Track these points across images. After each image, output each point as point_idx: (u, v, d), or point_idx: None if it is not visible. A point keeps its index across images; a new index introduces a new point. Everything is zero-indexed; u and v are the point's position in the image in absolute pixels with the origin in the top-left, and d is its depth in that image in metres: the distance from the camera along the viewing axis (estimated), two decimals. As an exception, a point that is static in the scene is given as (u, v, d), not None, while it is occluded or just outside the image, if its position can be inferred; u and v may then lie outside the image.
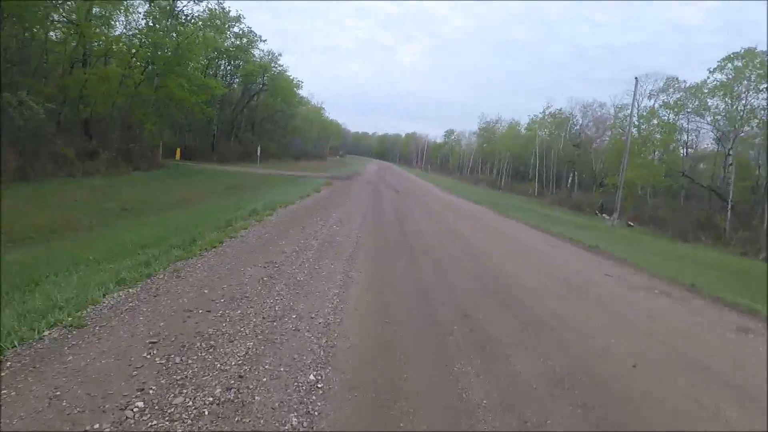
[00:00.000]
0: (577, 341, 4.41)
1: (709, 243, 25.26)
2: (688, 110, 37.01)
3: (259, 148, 27.59)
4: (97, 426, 2.41)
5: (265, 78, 45.81)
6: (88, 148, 20.98)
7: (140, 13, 24.25)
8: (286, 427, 2.61)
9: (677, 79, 40.60)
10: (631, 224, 30.38)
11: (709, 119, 35.60)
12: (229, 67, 41.20)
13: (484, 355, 3.86)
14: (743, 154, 34.85)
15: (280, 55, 45.77)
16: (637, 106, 43.77)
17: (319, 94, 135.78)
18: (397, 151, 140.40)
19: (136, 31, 23.42)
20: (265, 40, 39.89)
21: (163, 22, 24.17)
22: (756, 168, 34.00)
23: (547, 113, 55.19)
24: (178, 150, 35.69)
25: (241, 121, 46.64)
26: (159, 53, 23.43)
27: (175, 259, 5.71)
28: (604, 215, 36.10)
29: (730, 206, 28.57)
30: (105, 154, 20.52)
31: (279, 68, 46.94)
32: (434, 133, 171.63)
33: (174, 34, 24.13)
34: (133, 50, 22.85)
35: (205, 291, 4.68)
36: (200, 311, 4.12)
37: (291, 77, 52.36)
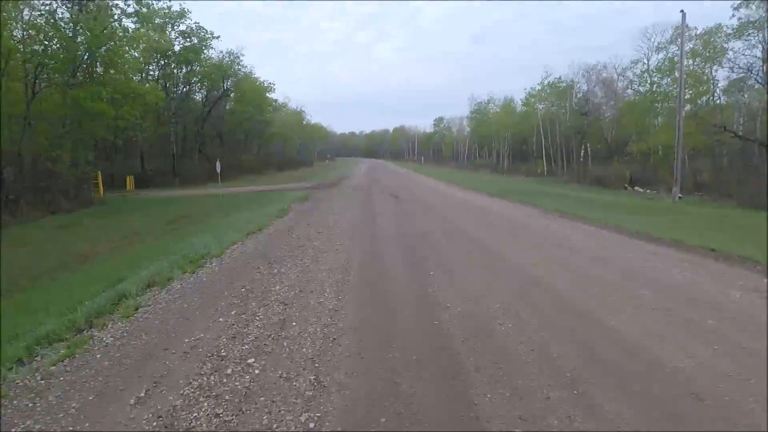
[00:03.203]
0: None
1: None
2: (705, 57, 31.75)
3: (218, 164, 22.08)
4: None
5: (227, 83, 40.31)
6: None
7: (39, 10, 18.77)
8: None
9: (688, 26, 35.17)
10: (681, 196, 25.07)
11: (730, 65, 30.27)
12: (182, 72, 35.61)
13: None
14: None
15: (240, 54, 40.16)
16: (647, 60, 38.79)
17: (301, 99, 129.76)
18: (386, 147, 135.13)
19: (33, 31, 17.89)
20: (218, 37, 34.15)
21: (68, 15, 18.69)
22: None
23: (545, 83, 49.74)
24: (129, 178, 30.32)
25: (205, 135, 41.10)
26: (61, 55, 17.94)
27: None
28: (636, 188, 30.88)
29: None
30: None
31: (242, 69, 41.42)
32: (423, 123, 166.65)
33: (81, 29, 18.62)
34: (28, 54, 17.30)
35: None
36: None
37: (260, 80, 46.91)
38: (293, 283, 5.30)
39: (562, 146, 48.77)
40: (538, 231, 9.32)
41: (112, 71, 20.84)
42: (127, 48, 22.09)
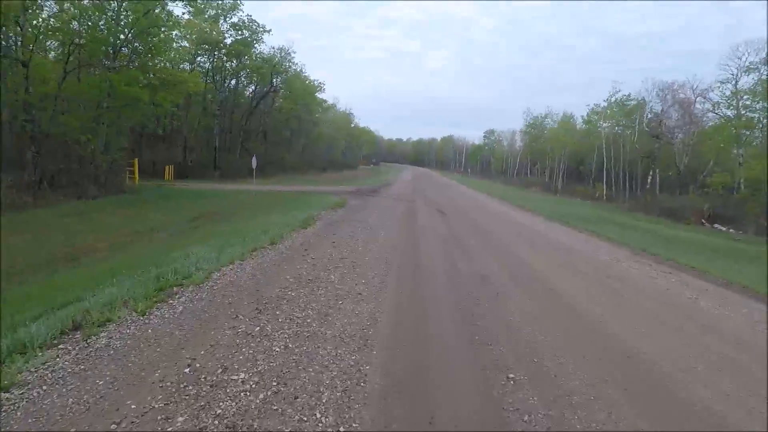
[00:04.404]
0: None
1: None
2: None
3: (254, 160, 20.64)
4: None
5: (277, 79, 39.37)
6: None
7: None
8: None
9: None
10: (776, 239, 21.31)
11: None
12: (232, 65, 34.86)
13: None
14: None
15: (292, 51, 39.16)
16: (735, 82, 34.43)
17: (349, 102, 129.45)
18: (432, 156, 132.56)
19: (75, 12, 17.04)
20: (270, 31, 33.13)
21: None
22: None
23: (612, 100, 45.81)
24: (169, 168, 29.65)
25: (250, 131, 40.31)
26: (99, 36, 16.96)
27: None
28: (716, 225, 27.03)
29: None
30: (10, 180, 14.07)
31: (292, 67, 40.43)
32: (471, 135, 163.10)
33: (125, 12, 17.66)
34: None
35: None
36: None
37: (310, 78, 45.90)
38: (272, 367, 3.23)
39: (625, 170, 44.68)
40: (642, 287, 6.83)
41: (151, 56, 19.79)
42: (171, 34, 21.08)
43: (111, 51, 18.88)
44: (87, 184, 18.60)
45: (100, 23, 18.27)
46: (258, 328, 3.92)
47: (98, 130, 18.34)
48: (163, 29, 20.25)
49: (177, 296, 4.78)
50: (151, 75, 20.05)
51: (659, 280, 7.36)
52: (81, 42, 16.37)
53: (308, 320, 4.15)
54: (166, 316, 4.17)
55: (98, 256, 9.35)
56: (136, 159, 25.19)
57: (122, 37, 19.06)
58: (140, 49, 20.60)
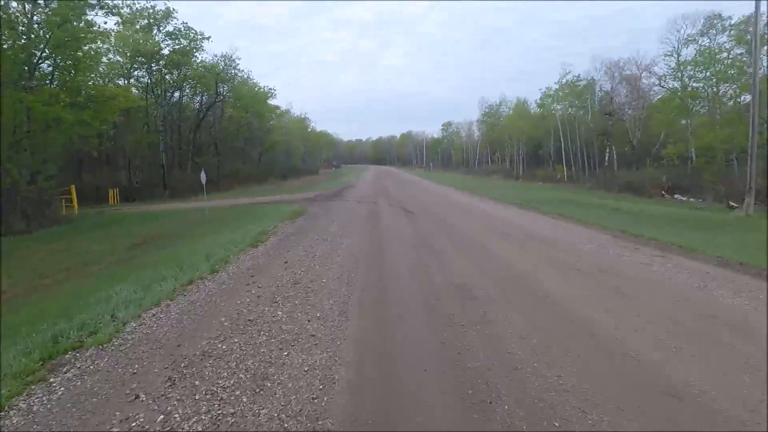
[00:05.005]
0: None
1: None
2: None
3: (203, 174, 19.08)
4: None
5: (223, 88, 37.41)
6: None
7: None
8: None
9: (720, 15, 31.76)
10: (734, 205, 21.57)
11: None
12: (172, 77, 32.73)
13: None
14: None
15: (237, 58, 37.37)
16: (676, 55, 35.18)
17: (305, 106, 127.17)
18: (393, 154, 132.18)
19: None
20: (209, 38, 31.21)
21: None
22: None
23: (564, 82, 46.27)
24: (112, 192, 27.50)
25: (201, 144, 38.21)
26: (11, 54, 15.03)
27: None
28: (676, 196, 27.37)
29: None
30: None
31: (239, 74, 38.57)
32: (430, 129, 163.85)
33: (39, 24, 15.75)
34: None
35: None
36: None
37: (259, 85, 44.07)
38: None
39: (582, 150, 45.25)
40: (642, 279, 6.04)
41: (75, 73, 17.81)
42: (97, 47, 19.18)
43: (26, 69, 16.89)
44: (12, 219, 16.58)
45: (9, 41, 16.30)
46: (162, 416, 2.77)
47: (18, 158, 16.33)
48: (85, 43, 18.32)
49: (65, 368, 3.55)
50: (77, 93, 18.10)
51: (655, 267, 6.62)
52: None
53: (237, 392, 3.03)
54: (35, 408, 2.96)
55: (5, 307, 7.80)
56: (73, 186, 23.04)
57: (37, 53, 17.07)
58: (62, 65, 18.64)
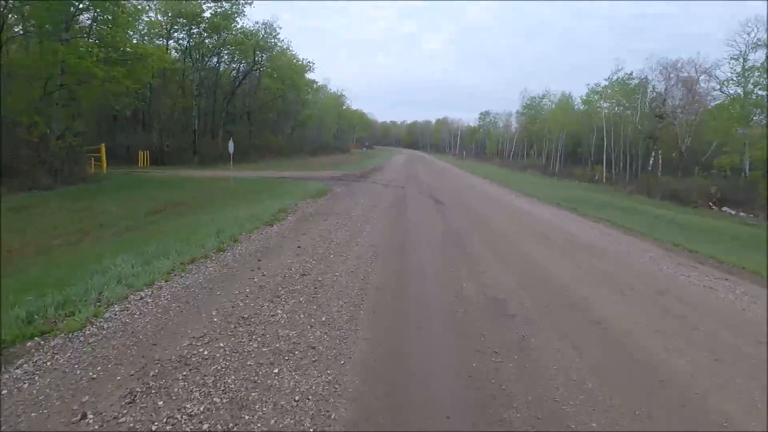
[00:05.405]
0: None
1: None
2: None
3: (231, 144, 18.68)
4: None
5: (261, 57, 36.87)
6: None
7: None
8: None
9: None
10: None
11: None
12: (212, 41, 32.30)
13: None
14: None
15: (278, 27, 36.62)
16: (743, 60, 32.46)
17: (342, 83, 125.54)
18: (427, 139, 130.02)
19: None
20: (251, 3, 30.61)
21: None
22: None
23: (614, 80, 43.70)
24: (142, 154, 27.57)
25: (235, 113, 37.95)
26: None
27: None
28: (725, 209, 25.50)
29: None
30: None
31: (278, 44, 37.92)
32: (466, 117, 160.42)
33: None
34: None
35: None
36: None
37: (298, 57, 43.35)
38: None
39: (625, 152, 42.91)
40: (710, 309, 5.12)
41: (112, 27, 17.44)
42: (137, 3, 18.78)
43: (63, 20, 16.63)
44: (39, 174, 16.57)
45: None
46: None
47: (50, 111, 16.20)
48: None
49: (20, 361, 2.98)
50: (113, 49, 17.79)
51: (721, 293, 5.65)
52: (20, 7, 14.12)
53: (204, 425, 2.36)
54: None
55: (9, 269, 7.47)
56: (103, 144, 23.07)
57: (76, 2, 16.77)
58: (100, 18, 18.35)
